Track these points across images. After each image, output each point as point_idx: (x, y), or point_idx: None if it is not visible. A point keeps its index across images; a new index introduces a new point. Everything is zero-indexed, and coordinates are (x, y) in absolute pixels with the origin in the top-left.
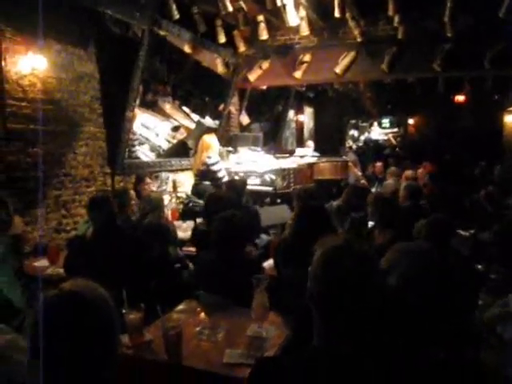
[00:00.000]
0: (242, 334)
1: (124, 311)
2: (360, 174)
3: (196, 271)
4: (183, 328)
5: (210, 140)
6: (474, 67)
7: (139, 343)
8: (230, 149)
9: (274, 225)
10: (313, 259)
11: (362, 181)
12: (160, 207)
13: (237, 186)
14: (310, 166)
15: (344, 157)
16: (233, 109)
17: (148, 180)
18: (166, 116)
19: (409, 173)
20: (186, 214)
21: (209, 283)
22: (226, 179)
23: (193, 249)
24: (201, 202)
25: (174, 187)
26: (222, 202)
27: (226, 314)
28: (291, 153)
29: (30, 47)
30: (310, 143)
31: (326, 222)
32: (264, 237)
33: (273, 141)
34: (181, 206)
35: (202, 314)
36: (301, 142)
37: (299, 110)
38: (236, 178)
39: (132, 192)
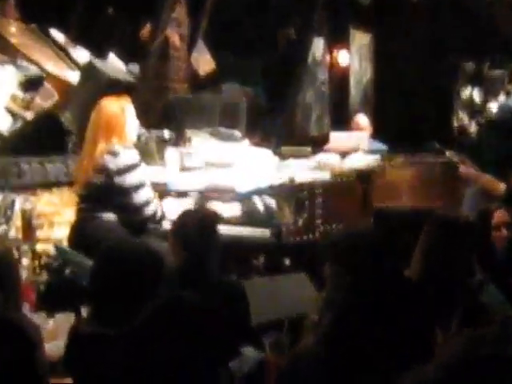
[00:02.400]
0: None
1: None
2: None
3: None
4: None
5: (118, 111)
6: None
7: None
8: (168, 134)
9: (274, 322)
10: None
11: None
12: (13, 278)
13: (195, 235)
14: (364, 176)
15: (448, 153)
16: (174, 34)
17: None
18: (9, 51)
19: None
20: (56, 295)
21: None
22: (153, 209)
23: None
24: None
25: (27, 228)
26: (146, 267)
27: None
28: (319, 143)
29: None
30: (363, 119)
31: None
32: (250, 352)
33: (275, 115)
34: (44, 277)
35: None
36: (342, 117)
37: (338, 41)
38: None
39: None
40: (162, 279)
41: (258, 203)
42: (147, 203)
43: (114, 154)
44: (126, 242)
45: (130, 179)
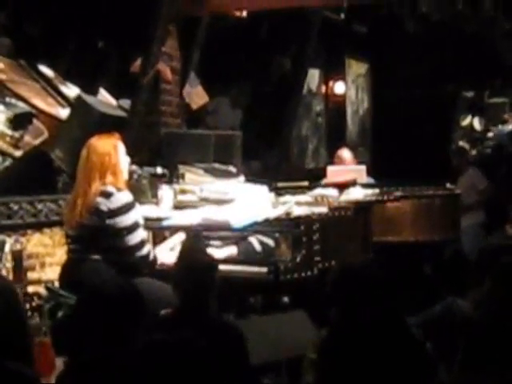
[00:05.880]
0: None
1: None
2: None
3: None
4: None
5: (111, 150)
6: None
7: None
8: (160, 170)
9: (272, 362)
10: None
11: None
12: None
13: (197, 272)
14: (363, 210)
15: (449, 185)
16: (165, 68)
17: None
18: None
19: None
20: (53, 338)
21: None
22: (146, 251)
23: None
24: None
25: (18, 269)
26: (136, 308)
27: None
28: (315, 177)
29: None
30: (346, 153)
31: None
32: None
33: (269, 148)
34: (35, 319)
35: None
36: (337, 148)
37: (334, 71)
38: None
39: None
40: (141, 318)
41: (255, 243)
42: (140, 245)
43: (107, 195)
44: (121, 281)
45: (121, 221)
